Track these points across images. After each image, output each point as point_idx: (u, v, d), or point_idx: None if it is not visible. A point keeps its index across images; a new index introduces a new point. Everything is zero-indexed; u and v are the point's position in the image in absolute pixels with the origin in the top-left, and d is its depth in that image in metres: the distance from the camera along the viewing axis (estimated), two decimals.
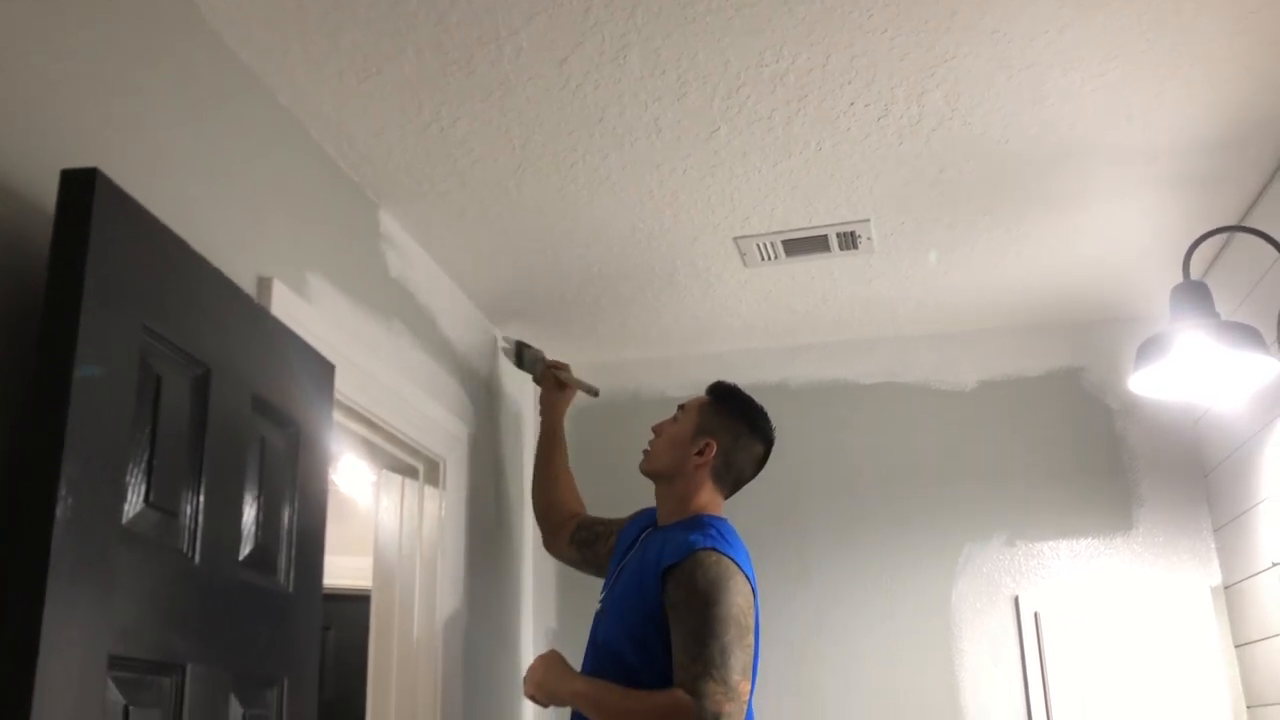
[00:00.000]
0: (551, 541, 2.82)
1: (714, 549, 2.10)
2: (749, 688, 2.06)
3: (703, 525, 2.21)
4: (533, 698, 2.31)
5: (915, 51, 1.93)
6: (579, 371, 3.08)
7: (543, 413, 2.98)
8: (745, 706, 2.04)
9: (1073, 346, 3.31)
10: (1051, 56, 1.96)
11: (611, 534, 2.64)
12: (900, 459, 3.33)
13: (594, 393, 2.95)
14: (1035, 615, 3.11)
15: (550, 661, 2.32)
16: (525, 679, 2.35)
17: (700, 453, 2.30)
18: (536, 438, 3.50)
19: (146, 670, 1.30)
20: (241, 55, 1.87)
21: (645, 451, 2.43)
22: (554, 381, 2.97)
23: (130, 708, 1.26)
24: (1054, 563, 3.16)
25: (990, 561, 3.20)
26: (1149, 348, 2.33)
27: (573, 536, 2.74)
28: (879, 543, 3.27)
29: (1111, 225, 2.64)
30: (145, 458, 1.32)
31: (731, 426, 2.34)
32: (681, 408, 2.43)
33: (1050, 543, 3.18)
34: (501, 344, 3.17)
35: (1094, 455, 3.21)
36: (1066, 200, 2.51)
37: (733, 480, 2.36)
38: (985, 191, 2.46)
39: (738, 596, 2.07)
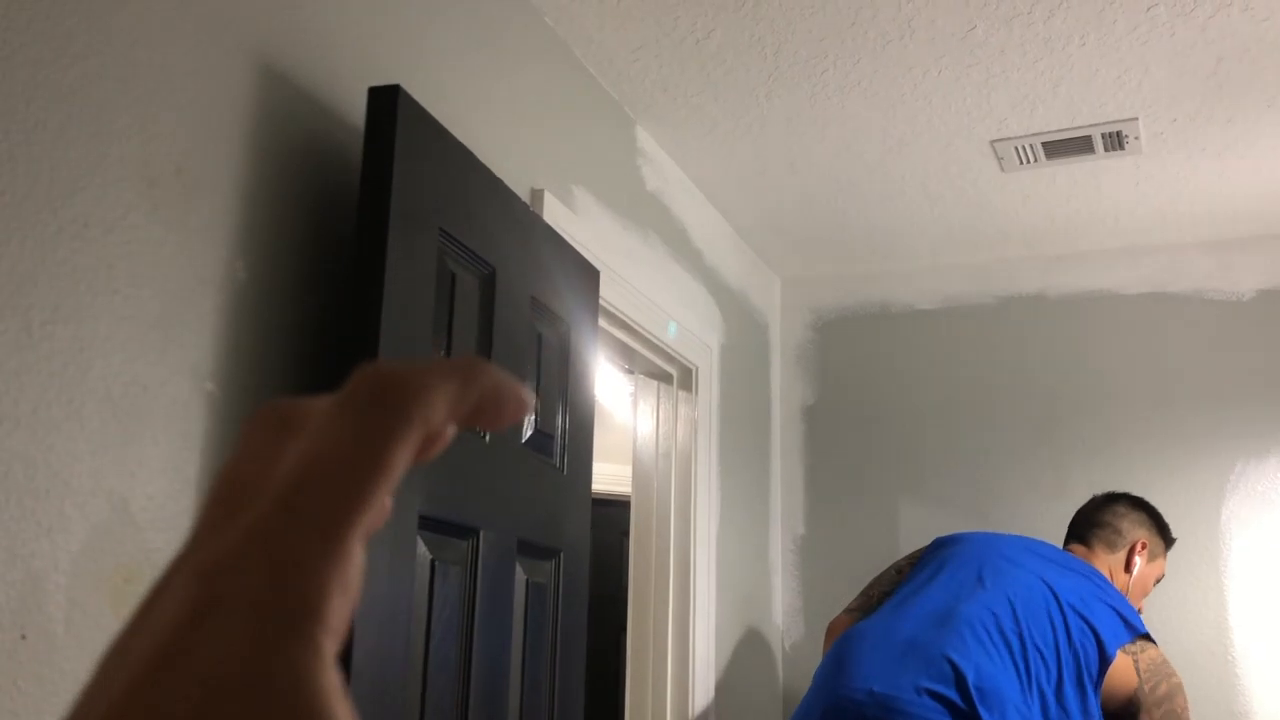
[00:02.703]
0: None
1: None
2: None
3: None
4: None
5: None
6: (828, 284, 3.08)
7: None
8: None
9: None
10: None
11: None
12: (1166, 373, 3.18)
13: None
14: None
15: None
16: None
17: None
18: (783, 353, 3.57)
19: (448, 532, 1.48)
20: None
21: None
22: None
23: (435, 562, 1.44)
24: None
25: (1266, 480, 3.02)
26: None
27: None
28: (1141, 459, 3.15)
29: None
30: (445, 344, 1.49)
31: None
32: None
33: None
34: None
35: None
36: None
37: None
38: (1268, 85, 2.30)
39: None
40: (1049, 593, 2.09)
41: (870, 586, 2.45)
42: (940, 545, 2.37)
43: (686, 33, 2.16)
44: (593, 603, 4.29)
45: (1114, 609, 2.12)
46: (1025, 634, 2.02)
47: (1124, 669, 2.06)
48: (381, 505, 0.24)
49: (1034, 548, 2.27)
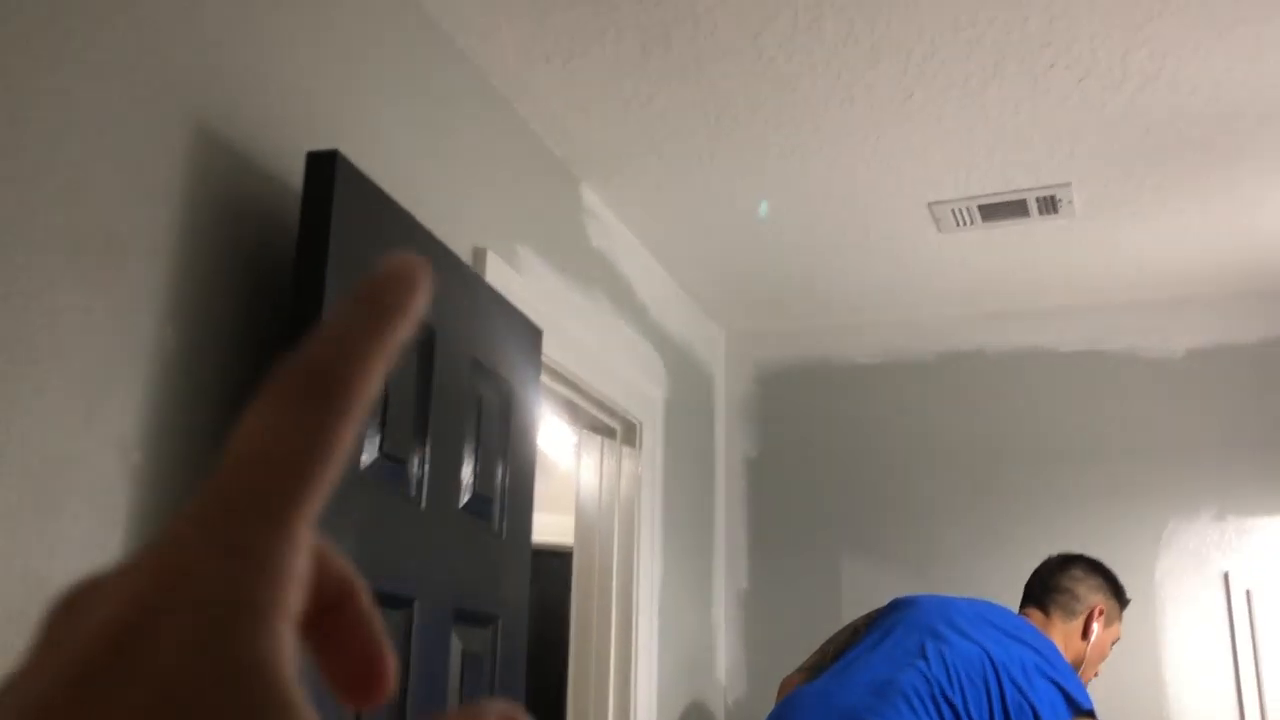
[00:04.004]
0: None
1: None
2: None
3: None
4: None
5: (1118, 11, 1.89)
6: (771, 339, 3.12)
7: None
8: None
9: None
10: (1266, 11, 1.87)
11: None
12: (1102, 430, 3.24)
13: None
14: (1247, 593, 2.98)
15: None
16: None
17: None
18: (727, 406, 3.59)
19: (381, 603, 1.45)
20: (457, 40, 2.01)
21: None
22: None
23: None
24: (1268, 539, 3.02)
25: (1198, 536, 3.08)
26: None
27: None
28: (1078, 515, 3.20)
29: None
30: (380, 411, 1.47)
31: None
32: None
33: (1264, 518, 3.03)
34: None
35: None
36: None
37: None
38: (1194, 153, 2.37)
39: None
40: (989, 664, 2.09)
41: (826, 644, 2.45)
42: (894, 608, 2.36)
43: (630, 96, 2.18)
44: (536, 657, 4.24)
45: (1057, 684, 2.12)
46: (960, 706, 2.02)
47: None
48: (326, 490, 0.24)
49: (986, 615, 2.27)
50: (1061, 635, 2.32)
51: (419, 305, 0.26)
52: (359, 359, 0.25)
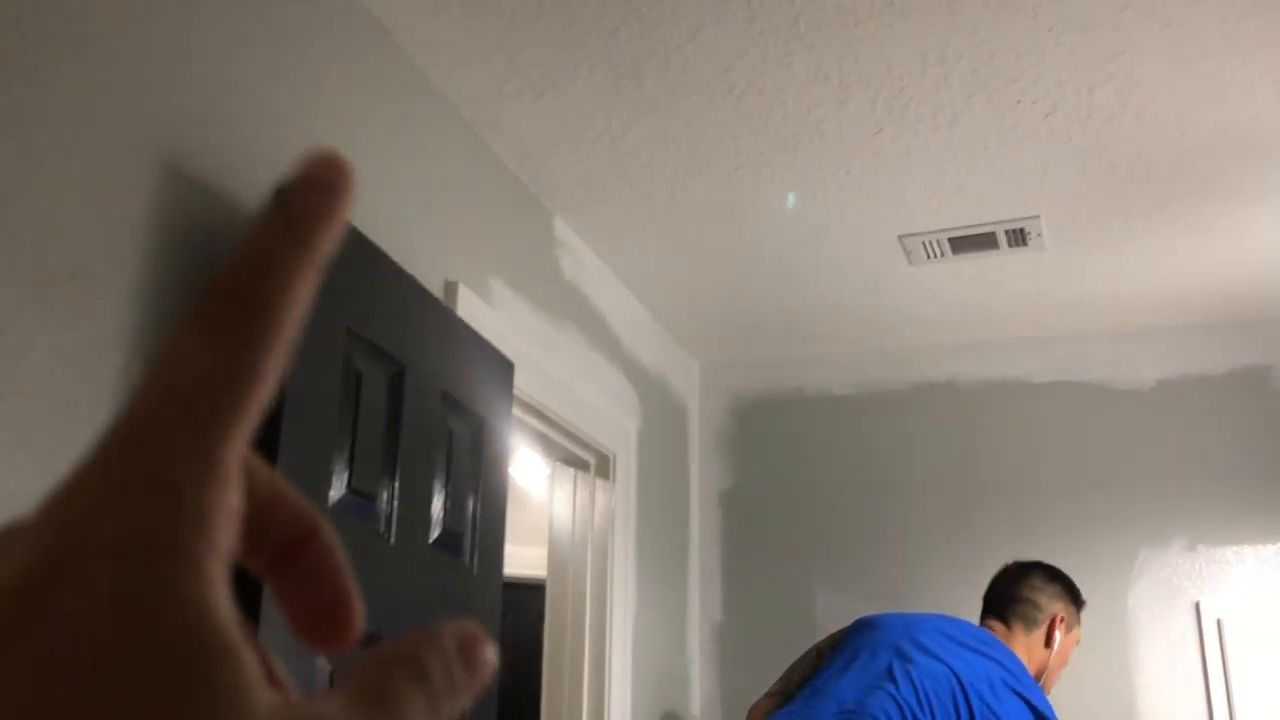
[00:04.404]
0: None
1: None
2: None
3: None
4: None
5: (1084, 47, 1.92)
6: (745, 370, 3.12)
7: None
8: None
9: (1259, 344, 3.17)
10: (1230, 48, 1.91)
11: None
12: (1073, 460, 3.26)
13: None
14: (1218, 623, 2.99)
15: None
16: None
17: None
18: (701, 438, 3.59)
19: None
20: (430, 75, 2.02)
21: None
22: None
23: (334, 675, 1.39)
24: (1239, 568, 3.04)
25: (1169, 566, 3.10)
26: None
27: None
28: (1050, 545, 3.20)
29: None
30: (348, 447, 1.46)
31: None
32: None
33: (1234, 548, 3.06)
34: None
35: None
36: (1247, 194, 2.42)
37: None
38: (1160, 186, 2.40)
39: None
40: (957, 683, 2.10)
41: (791, 669, 2.45)
42: (860, 628, 2.37)
43: (603, 130, 2.19)
44: (510, 690, 4.19)
45: (1023, 698, 2.14)
46: None
47: None
48: (253, 420, 0.21)
49: (949, 630, 2.28)
50: (1024, 646, 2.34)
51: (343, 209, 0.24)
52: (282, 275, 0.22)
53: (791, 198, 2.66)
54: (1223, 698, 2.94)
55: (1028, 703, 2.13)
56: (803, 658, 2.46)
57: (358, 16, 1.81)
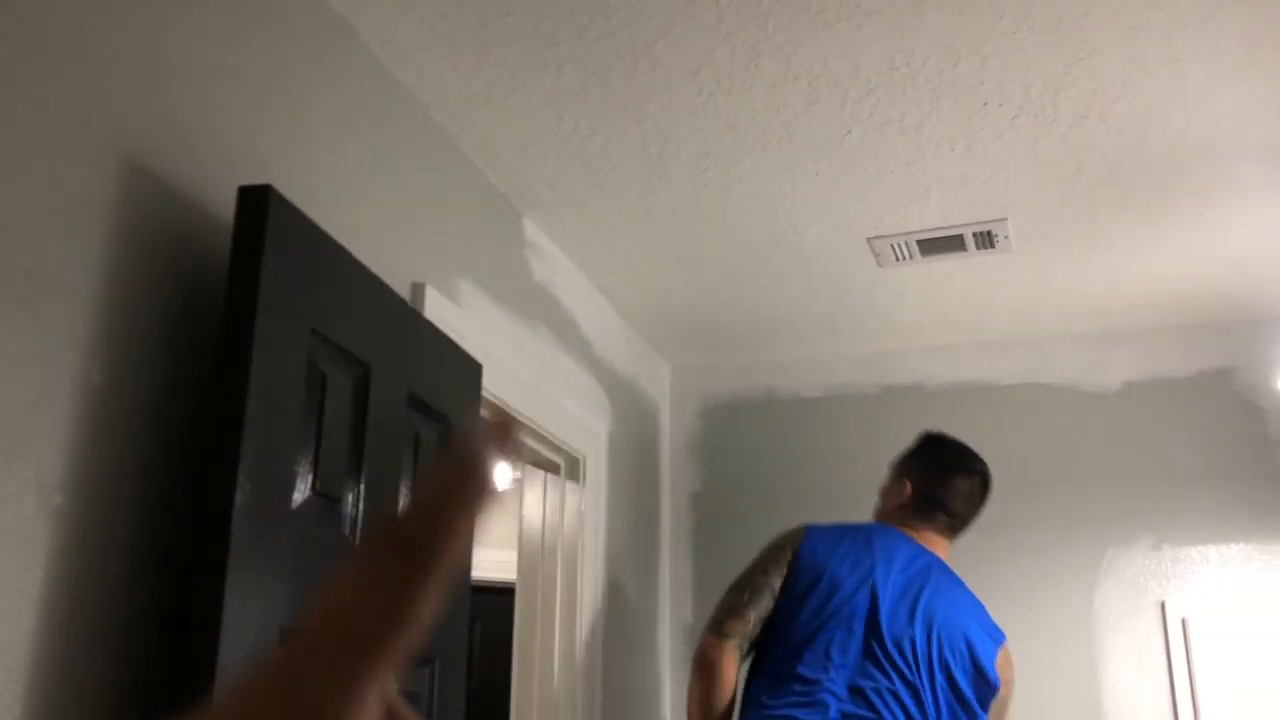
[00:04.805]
0: None
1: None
2: (750, 612, 2.29)
3: None
4: None
5: (1049, 50, 1.93)
6: (716, 372, 3.12)
7: None
8: (722, 634, 2.27)
9: (1223, 347, 3.20)
10: (1193, 51, 1.93)
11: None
12: (1041, 461, 3.28)
13: None
14: (1183, 622, 3.02)
15: None
16: None
17: (899, 493, 2.50)
18: (672, 440, 3.58)
19: None
20: (397, 75, 2.00)
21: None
22: None
23: None
24: (1203, 569, 3.07)
25: (1135, 566, 3.12)
26: None
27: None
28: (1020, 545, 3.23)
29: (1260, 220, 2.56)
30: (313, 449, 1.45)
31: (920, 462, 2.53)
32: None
33: (1199, 548, 3.09)
34: None
35: (1246, 459, 3.10)
36: (1212, 196, 2.45)
37: (941, 515, 2.46)
38: (1126, 189, 2.42)
39: (766, 548, 2.38)
40: (965, 642, 2.28)
41: (740, 605, 2.31)
42: (814, 569, 2.30)
43: (571, 131, 2.19)
44: (482, 694, 4.18)
45: (994, 639, 2.35)
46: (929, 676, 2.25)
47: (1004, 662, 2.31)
48: (402, 658, 0.25)
49: (916, 576, 2.31)
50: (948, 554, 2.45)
51: (505, 477, 0.28)
52: (447, 531, 0.26)
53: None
54: (1187, 696, 2.97)
55: (982, 623, 2.37)
56: (754, 590, 2.33)
57: (323, 15, 1.80)
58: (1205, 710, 2.94)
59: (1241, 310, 3.11)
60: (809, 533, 2.38)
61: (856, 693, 2.16)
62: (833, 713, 2.15)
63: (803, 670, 2.19)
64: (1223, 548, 3.07)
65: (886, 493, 2.56)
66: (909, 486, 2.48)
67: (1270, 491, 3.07)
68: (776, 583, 2.32)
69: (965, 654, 2.28)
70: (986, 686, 2.27)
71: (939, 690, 2.24)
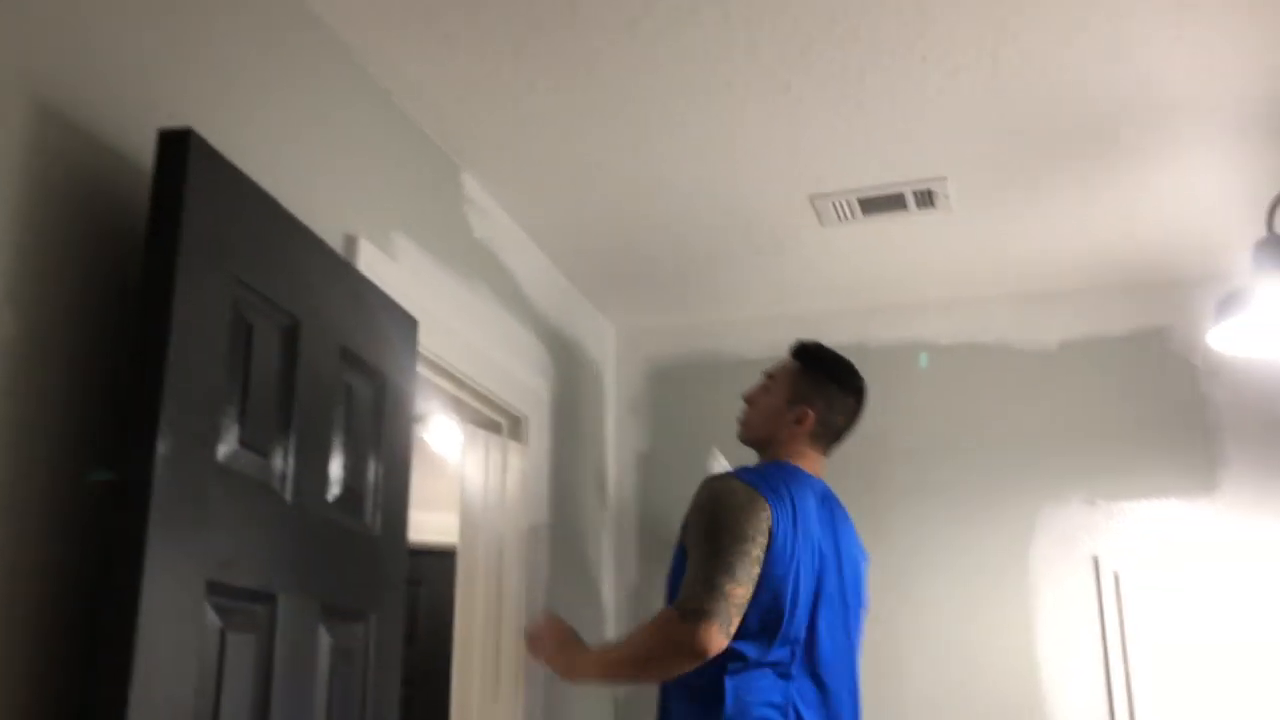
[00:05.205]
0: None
1: (717, 477, 2.28)
2: (743, 592, 2.08)
3: (751, 468, 2.35)
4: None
5: (989, 6, 1.92)
6: (660, 334, 3.10)
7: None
8: (730, 606, 2.06)
9: (1157, 306, 3.25)
10: (1130, 7, 1.93)
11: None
12: (979, 419, 3.32)
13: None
14: (1115, 575, 3.09)
15: (562, 638, 2.47)
16: (532, 645, 2.53)
17: (798, 421, 2.38)
18: (618, 401, 3.57)
19: (242, 597, 1.40)
20: (328, 21, 1.95)
21: (741, 422, 2.51)
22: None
23: (227, 631, 1.35)
24: (1135, 523, 3.13)
25: (1069, 521, 3.18)
26: (1228, 302, 2.30)
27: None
28: (957, 502, 3.27)
29: (1196, 179, 2.59)
30: (239, 401, 1.42)
31: (824, 391, 2.41)
32: (771, 376, 2.50)
33: (1131, 503, 3.15)
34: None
35: (1178, 416, 3.16)
36: (1149, 155, 2.47)
37: (830, 437, 2.44)
38: (1063, 147, 2.44)
39: (732, 510, 2.14)
40: (860, 568, 2.41)
41: (727, 581, 2.08)
42: (792, 549, 2.18)
43: (509, 81, 2.15)
44: (428, 655, 4.15)
45: (858, 541, 2.45)
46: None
47: None
48: None
49: (827, 519, 2.34)
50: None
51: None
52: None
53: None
54: (1118, 645, 3.04)
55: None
56: (734, 571, 2.09)
57: None
58: (1135, 657, 3.01)
59: (1178, 269, 3.16)
60: (752, 483, 2.20)
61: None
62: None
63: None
64: (1154, 502, 3.13)
65: (776, 416, 2.37)
66: (810, 416, 2.36)
67: (1200, 447, 3.13)
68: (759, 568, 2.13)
69: (862, 578, 2.42)
70: (863, 606, 2.41)
71: (859, 618, 2.38)
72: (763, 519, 2.14)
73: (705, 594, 2.07)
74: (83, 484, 1.30)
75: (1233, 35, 2.02)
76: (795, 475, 2.31)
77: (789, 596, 2.15)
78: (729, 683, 2.11)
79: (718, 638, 2.05)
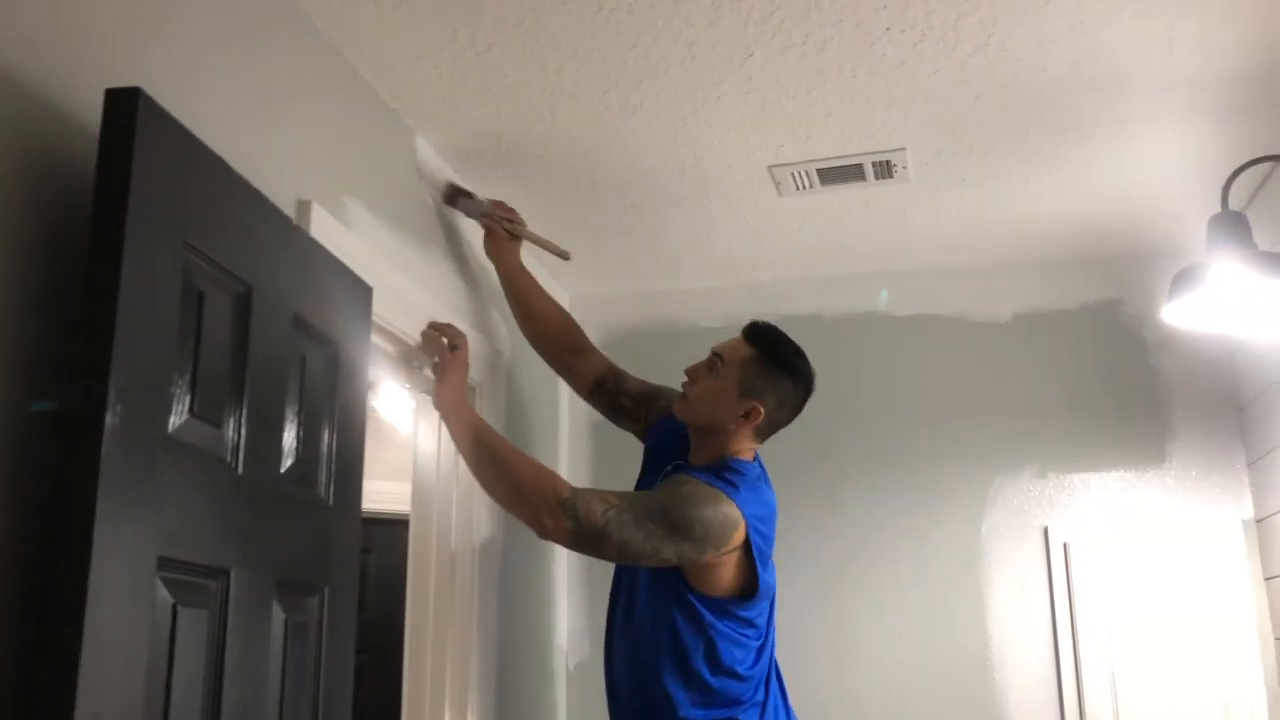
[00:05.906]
0: (575, 386, 2.79)
1: (709, 483, 2.11)
2: (620, 543, 2.05)
3: (724, 469, 2.18)
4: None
5: None
6: (617, 302, 3.08)
7: (494, 259, 2.73)
8: (600, 541, 2.05)
9: (1110, 279, 3.29)
10: None
11: (644, 418, 2.60)
12: (933, 391, 3.34)
13: (564, 255, 2.76)
14: (1064, 546, 3.14)
15: (457, 383, 2.34)
16: (427, 340, 2.37)
17: (746, 415, 2.21)
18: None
19: (193, 572, 1.37)
20: None
21: (682, 396, 2.30)
22: (504, 234, 2.69)
23: (178, 606, 1.32)
24: (1085, 495, 3.18)
25: (1021, 493, 3.22)
26: (1184, 278, 2.32)
27: (592, 394, 2.72)
28: (910, 473, 3.30)
29: (1152, 155, 2.62)
30: (189, 370, 1.37)
31: (776, 386, 2.22)
32: (719, 357, 2.26)
33: (1081, 475, 3.19)
34: (432, 192, 2.62)
35: (1129, 388, 3.21)
36: (1105, 129, 2.48)
37: (771, 431, 2.29)
38: (1022, 120, 2.44)
39: (712, 527, 2.06)
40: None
41: (626, 532, 2.06)
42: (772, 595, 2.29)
43: (466, 44, 2.11)
44: (380, 625, 4.11)
45: None
46: None
47: None
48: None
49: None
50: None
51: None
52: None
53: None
54: (1066, 614, 3.09)
55: None
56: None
57: None
58: (1083, 627, 3.07)
59: (1131, 242, 3.19)
60: (737, 501, 2.12)
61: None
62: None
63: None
64: (1104, 475, 3.18)
65: (724, 406, 2.21)
66: (760, 413, 2.20)
67: (1150, 420, 3.18)
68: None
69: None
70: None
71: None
72: (731, 547, 2.11)
73: (604, 519, 2.03)
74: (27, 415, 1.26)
75: (1191, 12, 2.03)
76: (764, 494, 2.23)
77: (770, 642, 2.26)
78: None
79: (559, 537, 2.09)
